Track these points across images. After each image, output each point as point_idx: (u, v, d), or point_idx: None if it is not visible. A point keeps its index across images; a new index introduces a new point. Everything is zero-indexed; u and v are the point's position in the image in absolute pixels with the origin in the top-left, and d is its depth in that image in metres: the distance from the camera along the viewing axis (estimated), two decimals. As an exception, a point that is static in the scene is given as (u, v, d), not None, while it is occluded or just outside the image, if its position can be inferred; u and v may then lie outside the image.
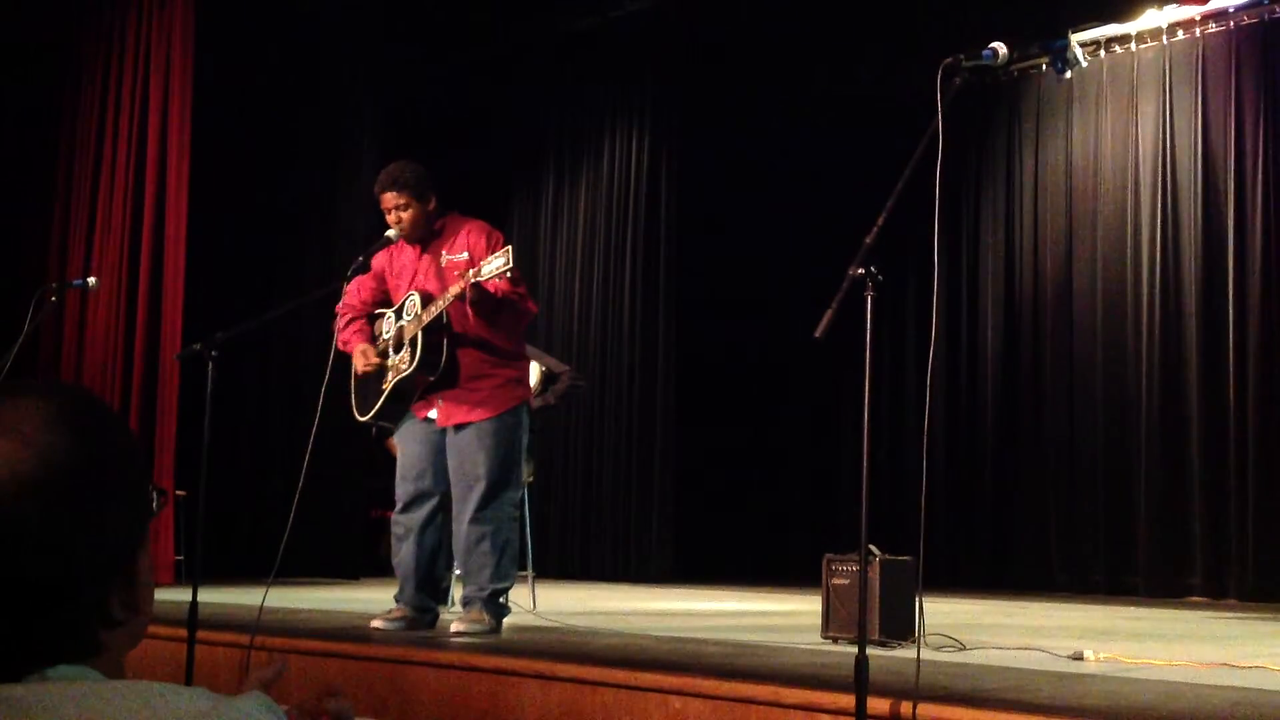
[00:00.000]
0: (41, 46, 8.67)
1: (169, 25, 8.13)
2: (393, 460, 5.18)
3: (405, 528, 4.83)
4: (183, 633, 4.02)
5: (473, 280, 4.43)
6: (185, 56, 8.06)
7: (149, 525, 1.12)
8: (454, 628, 4.57)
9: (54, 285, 6.52)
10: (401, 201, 4.75)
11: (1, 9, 8.49)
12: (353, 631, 4.64)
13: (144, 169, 8.12)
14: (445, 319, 4.64)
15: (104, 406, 1.11)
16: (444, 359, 4.68)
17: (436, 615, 4.89)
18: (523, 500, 5.12)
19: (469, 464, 4.70)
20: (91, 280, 6.70)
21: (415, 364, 4.66)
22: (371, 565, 9.08)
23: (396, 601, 4.85)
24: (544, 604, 5.91)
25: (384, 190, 4.79)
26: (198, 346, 4.37)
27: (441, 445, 4.78)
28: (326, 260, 8.62)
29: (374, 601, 6.24)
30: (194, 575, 4.21)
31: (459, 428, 4.72)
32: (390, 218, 4.79)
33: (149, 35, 8.21)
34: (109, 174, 8.30)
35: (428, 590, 4.85)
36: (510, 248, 4.44)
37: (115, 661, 1.07)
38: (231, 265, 8.29)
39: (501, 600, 4.72)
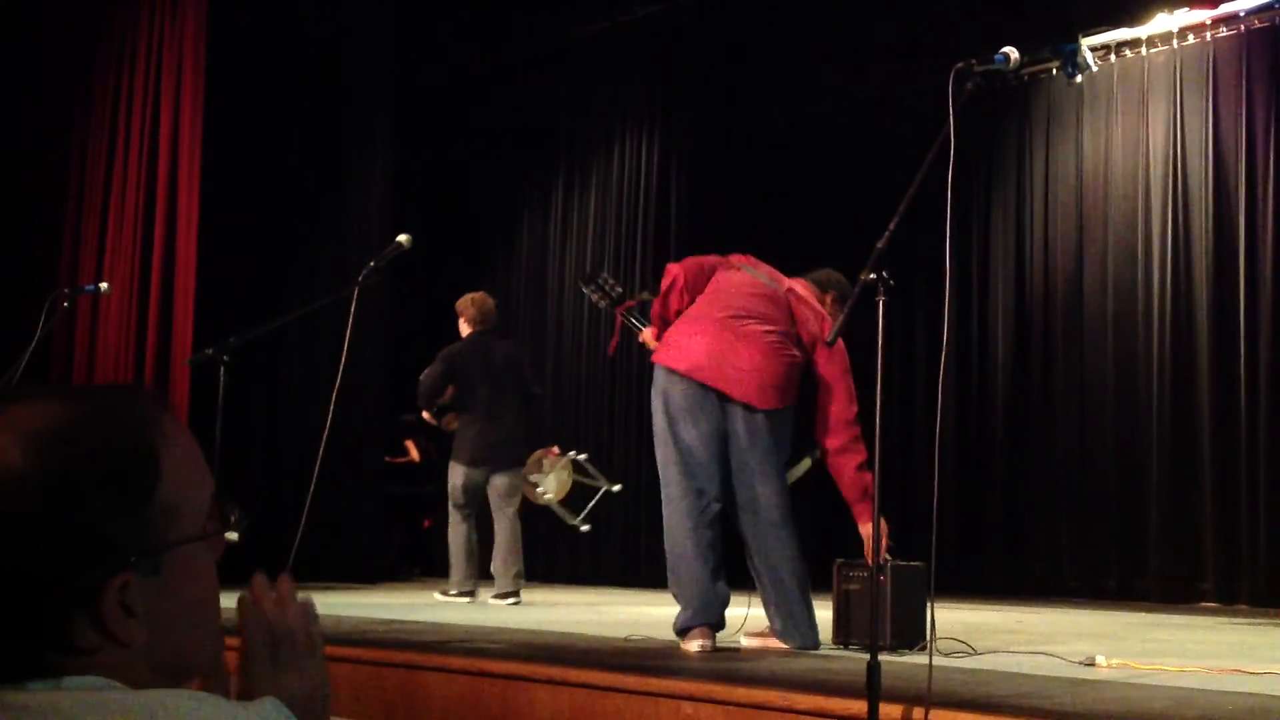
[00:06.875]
0: (53, 53, 8.71)
1: (180, 32, 8.16)
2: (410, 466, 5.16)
3: None
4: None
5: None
6: (197, 62, 8.08)
7: (152, 557, 1.04)
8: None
9: (66, 291, 6.55)
10: None
11: (12, 17, 8.53)
12: (363, 636, 4.64)
13: (155, 174, 8.15)
14: None
15: (101, 423, 1.04)
16: None
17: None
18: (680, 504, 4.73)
19: None
20: (103, 285, 6.73)
21: None
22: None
23: None
24: (552, 608, 5.91)
25: None
26: (210, 351, 4.39)
27: None
28: (339, 265, 8.61)
29: (386, 606, 6.24)
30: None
31: None
32: None
33: (160, 42, 8.24)
34: (120, 179, 8.33)
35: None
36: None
37: (140, 671, 1.05)
38: (243, 270, 8.29)
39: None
